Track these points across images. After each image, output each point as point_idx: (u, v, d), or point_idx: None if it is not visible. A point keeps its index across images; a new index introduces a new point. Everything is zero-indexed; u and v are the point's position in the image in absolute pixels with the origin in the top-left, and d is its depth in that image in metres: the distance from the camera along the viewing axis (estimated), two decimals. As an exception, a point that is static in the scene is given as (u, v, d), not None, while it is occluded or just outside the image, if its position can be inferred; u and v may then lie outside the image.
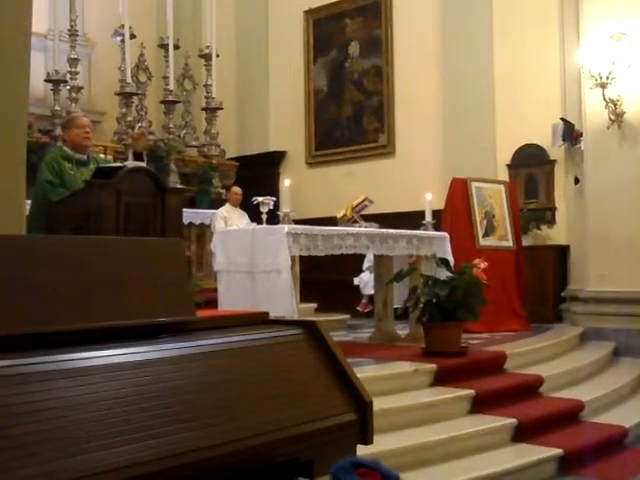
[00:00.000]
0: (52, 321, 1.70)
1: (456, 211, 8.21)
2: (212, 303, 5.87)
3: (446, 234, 7.04)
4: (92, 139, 5.84)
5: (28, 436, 1.39)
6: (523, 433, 4.76)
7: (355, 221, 6.94)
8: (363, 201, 7.23)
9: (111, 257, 1.91)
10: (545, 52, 9.08)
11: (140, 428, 1.56)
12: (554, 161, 9.17)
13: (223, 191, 10.13)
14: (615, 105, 7.89)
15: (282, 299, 5.38)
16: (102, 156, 9.20)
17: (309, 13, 11.77)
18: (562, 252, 9.06)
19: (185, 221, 8.00)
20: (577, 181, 8.77)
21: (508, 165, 9.47)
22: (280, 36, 11.97)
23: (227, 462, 1.71)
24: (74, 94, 9.60)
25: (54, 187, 5.19)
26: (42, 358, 1.56)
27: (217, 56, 10.69)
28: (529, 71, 9.18)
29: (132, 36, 9.84)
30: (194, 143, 10.83)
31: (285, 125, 11.92)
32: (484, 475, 4.11)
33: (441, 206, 8.21)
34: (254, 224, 7.90)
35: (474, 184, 8.38)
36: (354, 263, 9.17)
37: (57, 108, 9.41)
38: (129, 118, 9.92)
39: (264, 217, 6.85)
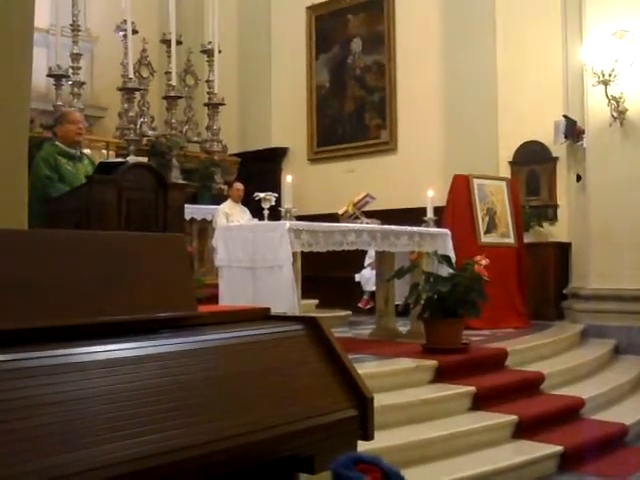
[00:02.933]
0: (53, 316, 1.70)
1: (458, 208, 8.21)
2: (213, 299, 5.88)
3: (448, 231, 7.03)
4: (84, 135, 5.83)
5: (29, 430, 1.40)
6: (523, 430, 4.77)
7: (357, 217, 6.93)
8: (365, 197, 7.22)
9: (112, 252, 1.91)
10: (548, 49, 9.06)
11: (141, 423, 1.57)
12: (556, 158, 9.16)
13: (225, 187, 10.12)
14: (617, 102, 7.88)
15: (283, 295, 5.39)
16: (104, 152, 9.23)
17: (312, 9, 11.76)
18: (564, 249, 9.06)
19: (187, 217, 8.00)
20: (579, 178, 8.77)
21: (510, 162, 9.46)
22: (282, 32, 11.95)
23: (227, 458, 1.71)
24: (76, 89, 9.61)
25: (53, 182, 5.18)
26: (43, 353, 1.56)
27: (219, 52, 10.68)
28: (531, 68, 9.16)
29: (134, 31, 9.83)
30: (196, 139, 10.82)
31: (287, 121, 11.91)
32: (484, 472, 4.11)
33: (443, 203, 8.20)
34: (256, 220, 7.90)
35: (476, 181, 8.37)
36: (355, 259, 9.16)
37: (59, 103, 9.41)
38: (131, 113, 9.92)
39: (266, 213, 6.85)
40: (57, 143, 5.46)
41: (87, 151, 5.91)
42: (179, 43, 10.52)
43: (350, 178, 10.65)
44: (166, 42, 10.44)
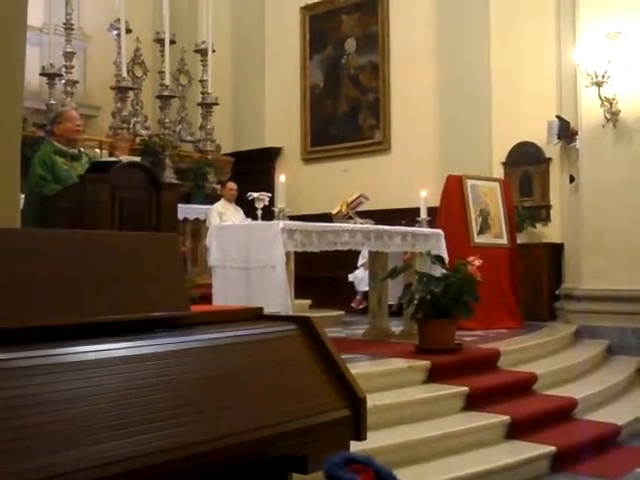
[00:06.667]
0: (46, 315, 1.70)
1: (451, 208, 8.21)
2: (207, 298, 5.87)
3: (441, 231, 7.03)
4: (82, 133, 5.80)
5: (28, 429, 1.40)
6: (516, 430, 4.77)
7: (350, 217, 6.93)
8: (358, 197, 7.21)
9: (106, 252, 1.91)
10: (541, 50, 9.08)
11: (134, 422, 1.56)
12: (549, 159, 9.17)
13: (218, 186, 10.12)
14: (610, 104, 7.91)
15: (277, 295, 5.38)
16: (97, 151, 9.20)
17: (306, 9, 11.75)
18: (557, 250, 9.07)
19: (180, 216, 7.97)
20: (572, 179, 8.79)
21: (503, 163, 9.47)
22: (276, 32, 11.94)
23: (221, 457, 1.71)
24: (69, 88, 9.58)
25: (47, 182, 5.15)
26: (37, 352, 1.56)
27: (213, 51, 10.68)
28: (525, 69, 9.17)
29: (128, 30, 9.81)
30: (189, 138, 10.81)
31: (281, 121, 11.90)
32: (477, 472, 4.12)
33: (436, 203, 8.20)
34: (249, 220, 7.89)
35: (469, 181, 8.38)
36: (348, 259, 9.16)
37: (52, 102, 9.39)
38: (124, 113, 9.90)
39: (259, 213, 6.84)
40: (54, 142, 5.41)
41: (97, 151, 5.87)
42: (173, 42, 10.50)
43: (344, 178, 10.64)
44: (160, 41, 10.43)
